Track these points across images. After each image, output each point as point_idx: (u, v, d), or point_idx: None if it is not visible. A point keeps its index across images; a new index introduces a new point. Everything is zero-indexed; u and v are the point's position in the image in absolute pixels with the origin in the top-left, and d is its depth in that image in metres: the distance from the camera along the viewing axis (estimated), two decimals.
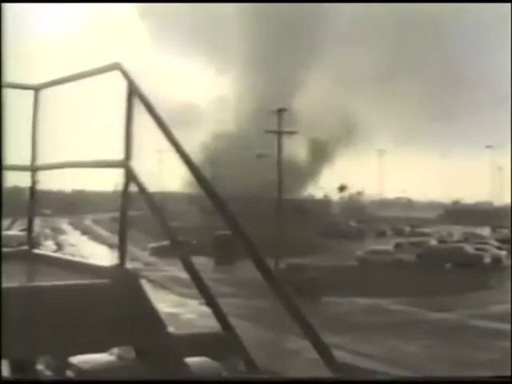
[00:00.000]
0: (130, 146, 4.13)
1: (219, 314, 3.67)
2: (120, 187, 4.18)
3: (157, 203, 4.12)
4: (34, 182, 5.30)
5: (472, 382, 3.76)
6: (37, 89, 5.26)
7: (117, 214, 4.30)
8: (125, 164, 4.10)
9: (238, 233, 3.60)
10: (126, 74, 4.18)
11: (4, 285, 3.62)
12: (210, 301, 3.66)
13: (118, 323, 3.69)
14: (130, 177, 4.07)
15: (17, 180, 5.69)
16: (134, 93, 4.10)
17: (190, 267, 3.77)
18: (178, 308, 35.35)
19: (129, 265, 4.18)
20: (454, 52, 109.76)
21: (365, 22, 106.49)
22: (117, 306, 3.74)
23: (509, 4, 58.83)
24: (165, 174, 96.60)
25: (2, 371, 3.50)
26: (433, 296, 40.13)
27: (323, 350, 3.36)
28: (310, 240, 69.31)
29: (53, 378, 3.40)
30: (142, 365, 3.88)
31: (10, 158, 4.63)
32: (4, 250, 4.88)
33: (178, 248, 4.01)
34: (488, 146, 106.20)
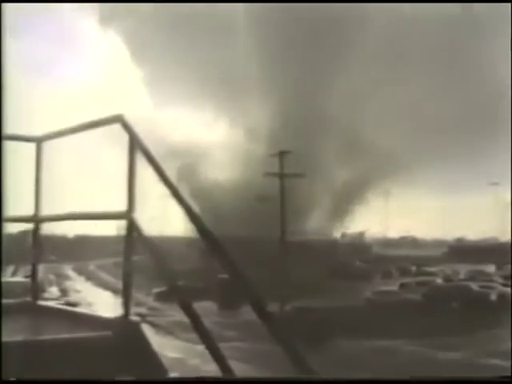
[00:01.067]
0: (132, 197, 4.21)
1: (219, 358, 3.71)
2: (122, 231, 4.25)
3: (158, 251, 4.17)
4: (37, 232, 5.33)
5: (472, 382, 3.78)
6: (39, 141, 5.33)
7: (120, 259, 4.36)
8: (128, 216, 4.17)
9: (235, 276, 3.65)
10: (127, 127, 4.25)
11: (5, 339, 3.64)
12: (211, 345, 3.69)
13: (122, 375, 3.73)
14: (133, 228, 4.15)
15: (20, 227, 5.75)
16: (135, 145, 4.18)
17: (189, 312, 3.80)
18: (183, 353, 35.13)
19: (133, 310, 4.23)
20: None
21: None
22: (119, 357, 3.78)
23: (509, 4, 59.18)
24: (169, 219, 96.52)
25: (1, 371, 3.51)
26: (440, 336, 39.93)
27: None
28: (316, 281, 68.99)
29: (52, 378, 3.40)
30: None
31: (13, 209, 4.68)
32: (6, 301, 4.88)
33: (177, 293, 4.05)
34: (493, 183, 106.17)
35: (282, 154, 57.61)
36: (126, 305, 4.18)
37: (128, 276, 4.28)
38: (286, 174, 57.13)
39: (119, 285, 4.32)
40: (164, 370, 3.92)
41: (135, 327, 4.09)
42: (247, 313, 41.42)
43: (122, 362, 3.79)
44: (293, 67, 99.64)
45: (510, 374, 5.48)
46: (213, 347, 3.66)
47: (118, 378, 3.76)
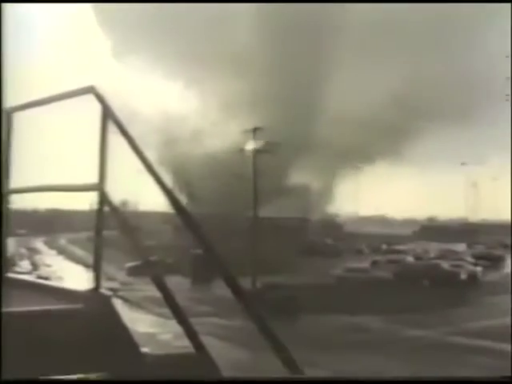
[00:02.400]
0: (104, 169, 4.16)
1: (191, 334, 3.69)
2: (95, 206, 4.21)
3: (130, 224, 4.14)
4: (6, 204, 5.27)
5: (472, 382, 3.80)
6: (9, 112, 5.25)
7: (93, 233, 4.32)
8: (99, 187, 4.13)
9: (208, 251, 3.64)
10: (100, 98, 4.21)
11: None
12: (183, 320, 3.68)
13: (92, 349, 3.70)
14: (105, 200, 4.11)
15: None
16: (108, 116, 4.14)
17: (162, 287, 3.79)
18: (155, 328, 35.17)
19: (105, 284, 4.20)
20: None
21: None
22: (90, 331, 3.75)
23: (509, 4, 59.36)
24: (143, 194, 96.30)
25: (1, 371, 3.49)
26: (410, 313, 40.32)
27: (293, 367, 3.39)
28: (287, 258, 69.26)
29: (52, 378, 3.37)
30: None
31: None
32: None
33: (150, 267, 4.03)
34: (463, 163, 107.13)
35: (255, 130, 57.60)
36: (97, 278, 4.14)
37: (98, 249, 4.24)
38: (259, 149, 57.17)
39: (91, 259, 4.27)
40: (135, 345, 3.90)
41: (106, 300, 4.06)
42: (219, 288, 41.58)
43: (93, 335, 3.76)
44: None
45: (508, 374, 5.51)
46: (184, 322, 3.64)
47: (118, 378, 3.74)
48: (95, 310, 3.90)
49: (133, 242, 4.04)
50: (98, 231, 4.20)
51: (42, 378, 3.57)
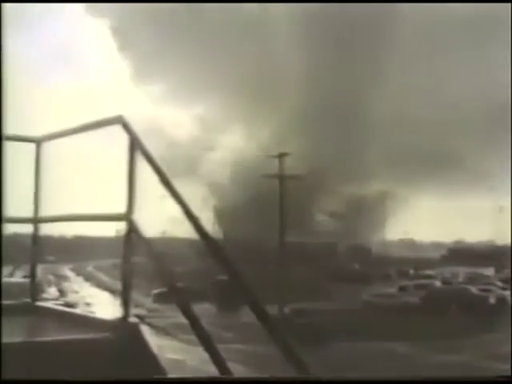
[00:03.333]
0: (132, 199, 4.21)
1: (218, 360, 3.71)
2: (121, 232, 4.25)
3: (157, 252, 4.16)
4: (36, 232, 5.32)
5: (472, 382, 3.79)
6: (39, 141, 5.32)
7: (119, 261, 4.36)
8: (127, 217, 4.18)
9: (233, 277, 3.65)
10: (127, 128, 4.25)
11: (4, 340, 3.63)
12: (209, 347, 3.69)
13: (120, 376, 3.72)
14: (132, 229, 4.15)
15: (18, 228, 5.74)
16: (136, 146, 4.19)
17: (188, 313, 3.80)
18: (182, 355, 35.11)
19: (132, 311, 4.23)
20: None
21: None
22: (118, 359, 3.78)
23: (509, 4, 59.16)
24: (169, 220, 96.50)
25: (1, 371, 3.51)
26: (438, 338, 39.94)
27: None
28: (315, 284, 68.98)
29: (52, 378, 3.39)
30: None
31: (12, 210, 4.68)
32: (5, 302, 4.87)
33: (176, 294, 4.06)
34: (491, 188, 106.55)
35: (281, 156, 57.61)
36: (125, 306, 4.18)
37: (127, 277, 4.28)
38: (284, 175, 57.06)
39: (117, 285, 4.33)
40: (163, 372, 3.92)
41: (134, 329, 4.09)
42: (246, 315, 41.46)
43: (121, 364, 3.79)
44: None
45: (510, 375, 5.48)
46: (211, 349, 3.66)
47: (118, 378, 3.75)
48: (124, 339, 3.93)
49: (159, 269, 4.07)
50: (127, 260, 4.24)
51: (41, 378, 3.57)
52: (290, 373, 3.45)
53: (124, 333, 3.97)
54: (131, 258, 4.26)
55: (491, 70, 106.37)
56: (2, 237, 4.92)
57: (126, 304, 4.19)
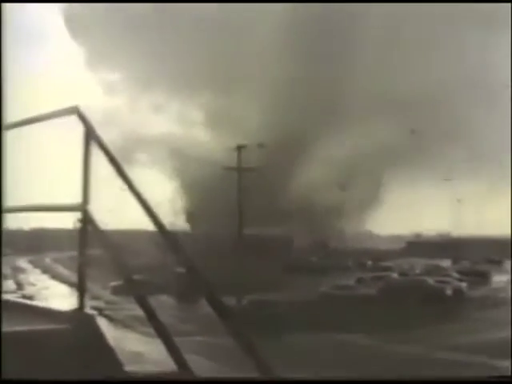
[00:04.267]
0: (87, 189, 4.18)
1: (174, 352, 3.70)
2: (78, 225, 4.21)
3: (112, 244, 4.14)
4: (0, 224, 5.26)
5: (472, 381, 3.82)
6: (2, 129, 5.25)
7: (76, 253, 4.32)
8: (82, 208, 4.15)
9: (190, 270, 3.65)
10: (83, 118, 4.23)
11: None
12: (166, 339, 3.69)
13: (76, 368, 3.69)
14: (88, 220, 4.12)
15: None
16: (91, 136, 4.16)
17: (145, 305, 3.80)
18: (141, 347, 35.01)
19: (90, 303, 4.21)
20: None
21: None
22: (75, 350, 3.75)
23: (509, 4, 59.67)
24: (125, 212, 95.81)
25: (1, 370, 3.49)
26: (395, 329, 40.30)
27: None
28: (272, 276, 69.06)
29: (53, 379, 3.35)
30: None
31: None
32: None
33: (132, 286, 4.04)
34: (447, 179, 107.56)
35: (239, 148, 57.55)
36: (81, 298, 4.15)
37: (82, 269, 4.25)
38: (243, 167, 57.01)
39: (75, 278, 4.29)
40: (119, 364, 3.90)
41: (90, 320, 4.06)
42: (206, 307, 41.40)
43: (77, 355, 3.76)
44: None
45: (508, 374, 5.55)
46: (168, 341, 3.65)
47: (118, 378, 3.73)
48: (80, 329, 3.90)
49: (115, 261, 4.06)
50: (82, 251, 4.21)
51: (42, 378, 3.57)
52: (249, 365, 3.45)
53: (80, 323, 3.94)
54: (86, 249, 4.23)
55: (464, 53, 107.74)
56: None
57: (81, 295, 4.16)
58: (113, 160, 4.01)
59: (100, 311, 49.25)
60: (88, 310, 4.16)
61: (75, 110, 4.28)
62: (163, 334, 3.70)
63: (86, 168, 4.20)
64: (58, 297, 52.32)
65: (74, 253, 4.32)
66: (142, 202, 3.84)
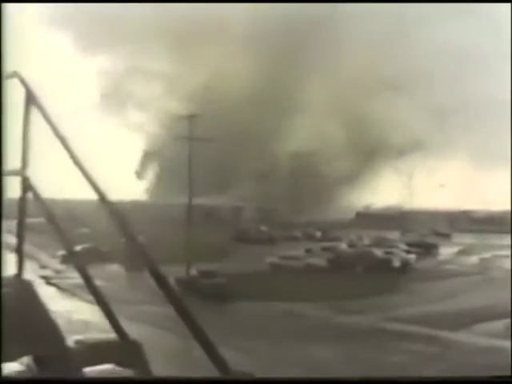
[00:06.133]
0: (26, 154, 4.12)
1: (114, 322, 3.70)
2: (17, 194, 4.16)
3: (52, 212, 4.09)
4: None
5: (472, 382, 3.85)
6: None
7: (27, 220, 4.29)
8: (21, 173, 4.09)
9: (131, 239, 3.63)
10: (23, 82, 4.16)
11: None
12: (104, 307, 3.69)
13: (15, 335, 3.66)
14: (27, 186, 4.07)
15: None
16: (31, 101, 4.09)
17: (84, 275, 3.79)
18: (87, 315, 34.90)
19: (39, 272, 4.19)
20: None
21: None
22: (13, 317, 3.71)
23: (509, 4, 59.88)
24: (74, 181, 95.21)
25: (1, 371, 3.46)
26: (343, 300, 40.72)
27: (213, 354, 3.38)
28: (221, 245, 69.09)
29: (53, 377, 3.32)
30: (43, 374, 3.86)
31: None
32: None
33: (73, 256, 4.02)
34: (400, 153, 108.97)
35: (191, 118, 57.19)
36: (20, 264, 4.11)
37: (21, 236, 4.19)
38: (194, 137, 56.62)
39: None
40: (55, 330, 3.87)
41: (28, 287, 4.02)
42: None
43: (13, 322, 3.73)
44: None
45: (508, 374, 5.63)
46: (106, 309, 3.65)
47: (118, 378, 3.71)
48: (18, 295, 3.87)
49: (57, 230, 4.02)
50: (21, 218, 4.16)
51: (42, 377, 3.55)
52: (189, 334, 3.44)
53: (16, 290, 3.90)
54: (25, 215, 4.18)
55: None
56: None
57: (20, 261, 4.12)
58: (52, 125, 3.95)
59: (48, 280, 48.90)
60: (27, 277, 4.12)
61: (15, 74, 4.21)
62: (102, 303, 3.70)
63: (25, 132, 4.14)
64: (6, 264, 51.70)
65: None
66: (82, 169, 3.80)
